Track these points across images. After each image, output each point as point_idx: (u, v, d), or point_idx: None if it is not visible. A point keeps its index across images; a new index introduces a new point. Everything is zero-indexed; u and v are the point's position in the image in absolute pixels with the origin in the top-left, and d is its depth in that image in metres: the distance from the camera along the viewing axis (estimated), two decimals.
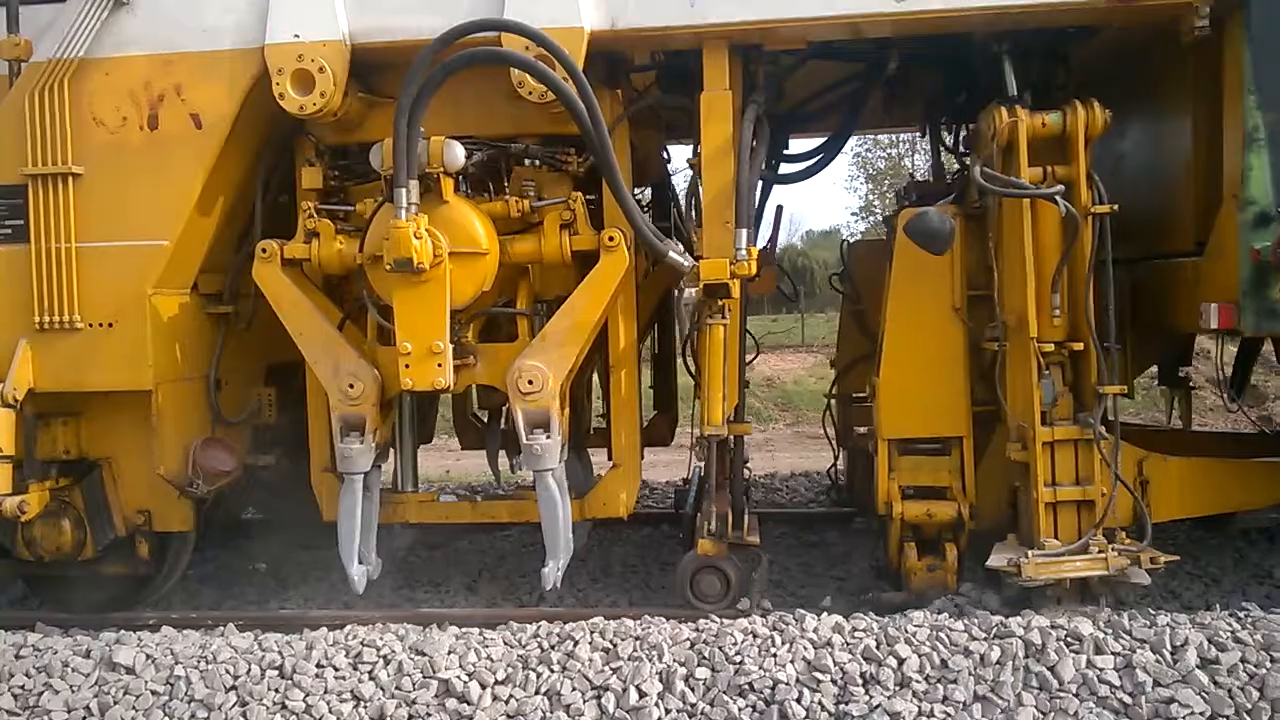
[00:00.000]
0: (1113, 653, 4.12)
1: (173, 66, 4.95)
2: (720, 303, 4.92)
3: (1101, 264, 4.64)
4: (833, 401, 7.47)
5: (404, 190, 4.48)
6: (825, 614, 4.60)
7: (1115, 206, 4.62)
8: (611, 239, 4.82)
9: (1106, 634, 4.24)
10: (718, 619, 4.68)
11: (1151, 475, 4.99)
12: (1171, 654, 4.10)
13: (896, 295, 5.12)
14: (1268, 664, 4.00)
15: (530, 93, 4.73)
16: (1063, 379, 4.83)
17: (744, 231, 4.80)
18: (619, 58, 5.15)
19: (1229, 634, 4.19)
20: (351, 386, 4.90)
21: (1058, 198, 4.56)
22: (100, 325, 5.05)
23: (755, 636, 4.41)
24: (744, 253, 4.77)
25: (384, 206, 4.71)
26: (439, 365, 4.66)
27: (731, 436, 5.25)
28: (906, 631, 4.36)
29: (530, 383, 4.77)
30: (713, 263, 4.71)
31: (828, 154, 6.03)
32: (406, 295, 4.66)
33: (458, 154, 4.67)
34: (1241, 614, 4.48)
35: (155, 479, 5.30)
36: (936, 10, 4.63)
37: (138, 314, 5.04)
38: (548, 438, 4.73)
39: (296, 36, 4.82)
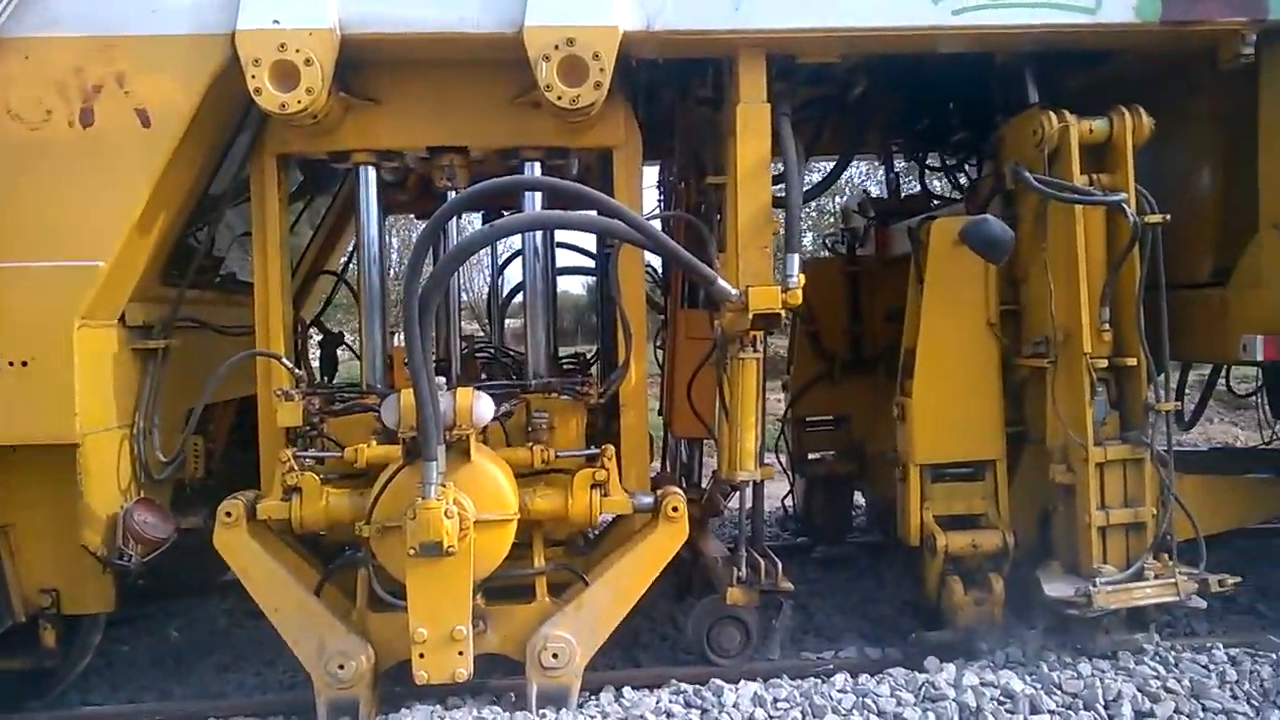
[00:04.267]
0: (1048, 711, 4.03)
1: (114, 51, 4.09)
2: (753, 335, 4.51)
3: (1154, 275, 4.53)
4: (785, 426, 7.23)
5: (433, 465, 3.90)
6: (743, 682, 4.40)
7: (1167, 216, 4.52)
8: (675, 509, 4.42)
9: (1038, 690, 4.17)
10: (630, 694, 4.38)
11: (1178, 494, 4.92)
12: (1106, 709, 4.05)
13: (931, 310, 4.85)
14: (1200, 713, 4.00)
15: (559, 98, 4.17)
16: (1108, 397, 4.69)
17: (795, 257, 4.41)
18: (633, 66, 4.65)
19: (1159, 684, 4.18)
20: (341, 668, 4.21)
21: (1123, 204, 4.43)
22: (12, 364, 4.09)
23: (669, 717, 4.12)
24: (795, 280, 4.38)
25: (402, 472, 4.09)
26: (460, 653, 4.05)
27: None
28: (832, 700, 4.19)
29: (555, 656, 4.28)
30: (764, 291, 4.28)
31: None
32: (424, 574, 3.99)
33: (487, 410, 4.14)
34: (1170, 658, 4.49)
35: (66, 550, 4.38)
36: (991, 26, 4.41)
37: (62, 351, 4.12)
38: (558, 715, 4.21)
39: (276, 22, 4.06)
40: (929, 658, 4.64)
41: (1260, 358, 4.58)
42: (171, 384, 4.77)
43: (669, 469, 6.22)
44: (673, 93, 5.36)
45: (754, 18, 4.34)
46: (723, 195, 4.81)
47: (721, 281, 4.27)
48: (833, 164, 6.20)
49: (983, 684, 4.19)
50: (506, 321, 6.48)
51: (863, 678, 4.40)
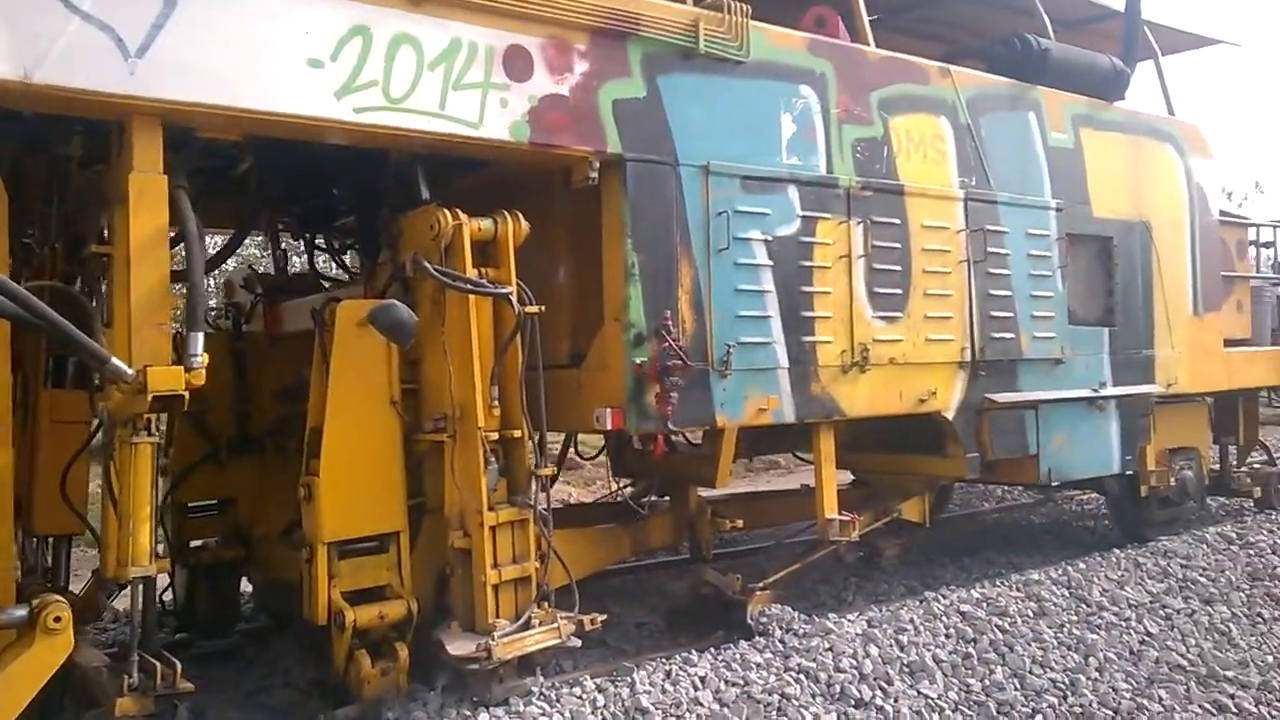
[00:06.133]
0: None
1: None
2: (148, 418, 4.24)
3: (532, 357, 5.13)
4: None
5: None
6: None
7: (543, 308, 5.20)
8: (58, 619, 3.94)
9: None
10: None
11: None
12: None
13: (336, 390, 4.95)
14: None
15: None
16: (498, 466, 5.15)
17: (199, 335, 4.24)
18: None
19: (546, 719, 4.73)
20: None
21: (509, 296, 5.00)
22: None
23: None
24: (200, 359, 4.21)
25: None
26: None
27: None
28: None
29: None
30: (166, 371, 4.05)
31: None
32: None
33: None
34: (552, 696, 4.98)
35: None
36: (389, 127, 4.74)
37: None
38: None
39: None
40: None
41: (609, 427, 5.47)
42: None
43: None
44: (39, 150, 4.85)
45: (151, 85, 4.14)
46: (109, 267, 4.47)
47: (116, 361, 3.96)
48: (222, 238, 6.05)
49: None
50: None
51: None
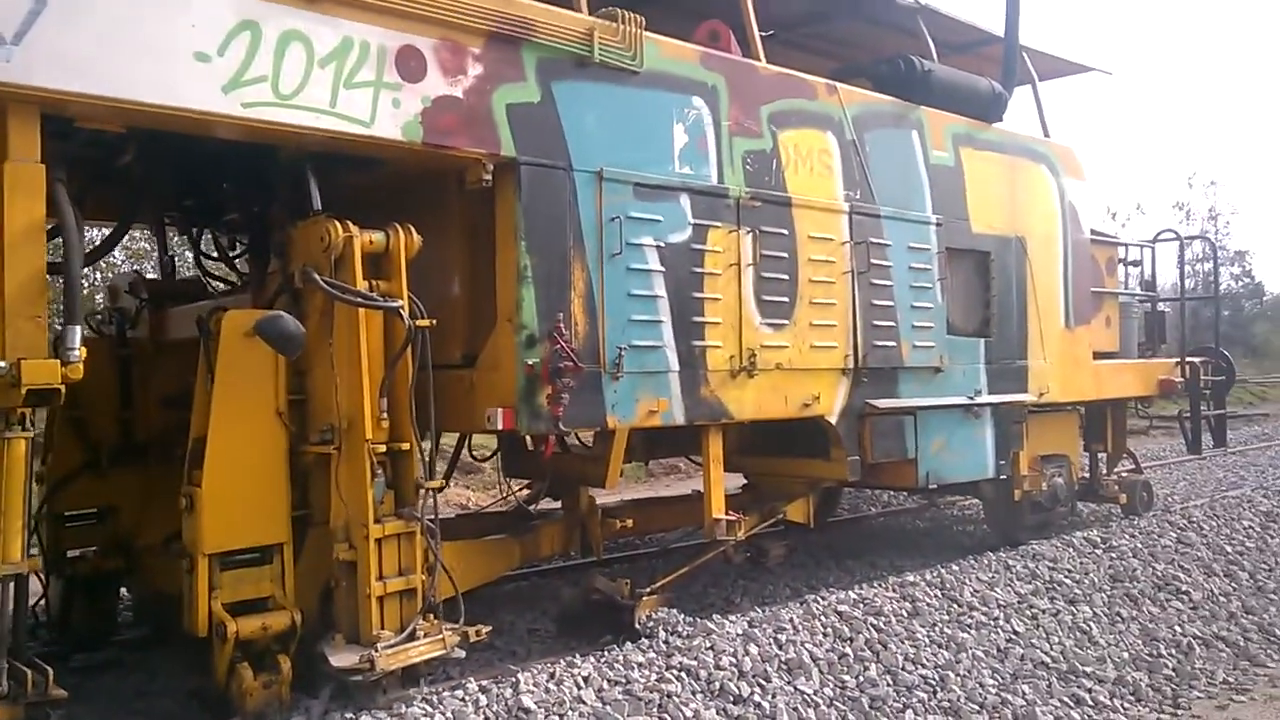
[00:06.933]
0: None
1: None
2: (22, 412, 4.14)
3: (423, 371, 5.13)
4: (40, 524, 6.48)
5: None
6: None
7: (434, 321, 5.20)
8: None
9: None
10: None
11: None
12: None
13: (221, 400, 4.87)
14: None
15: None
16: (386, 478, 5.13)
17: (77, 329, 4.15)
18: None
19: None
20: None
21: (400, 310, 4.98)
22: None
23: None
24: (77, 353, 4.12)
25: None
26: None
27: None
28: None
29: None
30: (41, 364, 3.96)
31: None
32: None
33: None
34: (435, 699, 4.96)
35: None
36: (277, 123, 4.70)
37: None
38: None
39: None
40: None
41: (500, 427, 5.50)
42: None
43: None
44: None
45: (29, 73, 4.04)
46: None
47: None
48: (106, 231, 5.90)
49: None
50: None
51: None
